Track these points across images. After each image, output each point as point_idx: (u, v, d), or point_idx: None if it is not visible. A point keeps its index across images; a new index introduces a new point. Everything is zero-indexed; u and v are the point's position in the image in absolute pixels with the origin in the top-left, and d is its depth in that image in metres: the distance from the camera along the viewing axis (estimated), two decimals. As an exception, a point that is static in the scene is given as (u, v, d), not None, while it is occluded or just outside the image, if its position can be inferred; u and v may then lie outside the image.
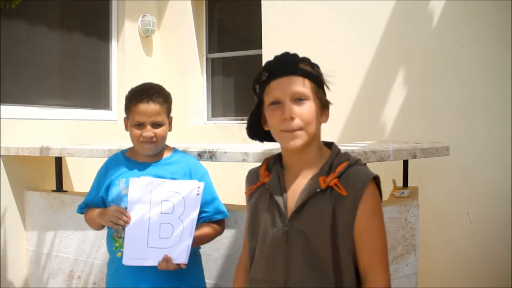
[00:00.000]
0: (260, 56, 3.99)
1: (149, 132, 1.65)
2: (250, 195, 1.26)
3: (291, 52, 1.21)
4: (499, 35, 3.19)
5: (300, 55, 1.21)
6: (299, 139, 1.11)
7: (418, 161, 2.54)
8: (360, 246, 1.11)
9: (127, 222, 1.58)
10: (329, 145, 1.23)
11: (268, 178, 1.20)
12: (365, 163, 2.15)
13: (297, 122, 1.10)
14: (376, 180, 1.15)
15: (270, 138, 1.23)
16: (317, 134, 1.16)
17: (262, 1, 4.02)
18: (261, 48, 4.00)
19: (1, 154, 2.99)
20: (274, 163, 1.23)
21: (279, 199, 1.15)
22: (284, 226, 1.13)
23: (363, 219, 1.10)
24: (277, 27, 3.94)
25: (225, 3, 4.55)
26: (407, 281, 2.24)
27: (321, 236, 1.10)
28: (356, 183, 1.11)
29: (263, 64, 1.20)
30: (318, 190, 1.11)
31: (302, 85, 1.12)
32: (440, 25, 3.37)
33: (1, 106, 3.01)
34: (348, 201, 1.10)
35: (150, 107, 1.64)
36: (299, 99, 1.12)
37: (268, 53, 3.94)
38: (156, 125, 1.66)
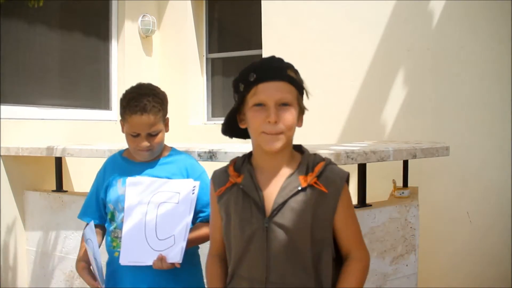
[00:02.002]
0: (260, 56, 3.99)
1: (145, 142, 1.63)
2: (219, 196, 1.28)
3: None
4: (499, 35, 3.19)
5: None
6: (279, 142, 1.16)
7: (418, 161, 2.54)
8: (342, 233, 1.22)
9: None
10: (297, 147, 1.28)
11: (240, 178, 1.23)
12: (365, 163, 2.16)
13: (280, 126, 1.15)
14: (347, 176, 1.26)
15: (240, 135, 1.29)
16: (292, 138, 1.22)
17: (262, 1, 4.02)
18: (261, 48, 4.00)
19: (1, 154, 2.99)
20: (242, 163, 1.27)
21: (255, 197, 1.19)
22: (264, 223, 1.17)
23: (344, 211, 1.21)
24: (277, 27, 3.94)
25: (225, 3, 4.55)
26: (407, 281, 2.24)
27: (302, 232, 1.16)
28: (335, 181, 1.20)
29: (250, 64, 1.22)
30: (299, 188, 1.17)
31: (288, 91, 1.17)
32: (440, 25, 3.37)
33: (1, 106, 3.02)
34: (329, 198, 1.19)
35: (144, 120, 1.60)
36: (283, 104, 1.16)
37: (268, 53, 3.91)
38: (152, 135, 1.65)
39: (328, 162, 1.23)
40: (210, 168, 1.88)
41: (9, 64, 3.19)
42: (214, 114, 4.56)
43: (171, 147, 1.80)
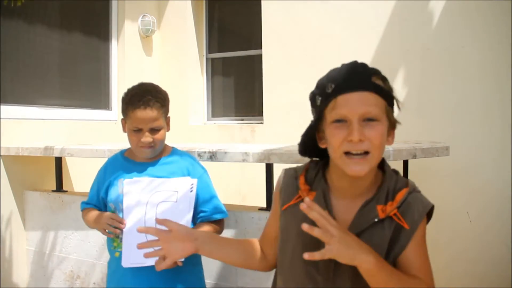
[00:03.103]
0: (260, 56, 3.99)
1: (147, 138, 1.64)
2: (283, 210, 1.13)
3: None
4: (499, 35, 3.19)
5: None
6: (365, 166, 0.98)
7: (418, 161, 2.54)
8: (409, 268, 1.02)
9: (121, 227, 1.60)
10: (380, 163, 1.09)
11: (311, 196, 1.06)
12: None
13: (365, 145, 0.97)
14: (431, 209, 1.06)
15: (321, 155, 1.11)
16: (381, 158, 1.04)
17: (262, 1, 4.02)
18: (261, 48, 4.00)
19: (1, 154, 2.99)
20: (316, 175, 1.09)
21: None
22: None
23: (414, 249, 1.03)
24: (277, 27, 3.94)
25: (225, 3, 4.55)
26: (407, 281, 2.23)
27: None
28: (414, 214, 1.02)
29: (327, 74, 1.04)
30: (375, 220, 1.01)
31: (374, 104, 0.98)
32: (440, 25, 3.37)
33: (1, 106, 3.02)
34: (405, 233, 1.02)
35: (147, 114, 1.62)
36: (368, 119, 0.98)
37: (268, 53, 3.95)
38: (154, 130, 1.66)
39: (411, 190, 1.04)
40: (210, 168, 1.89)
41: (9, 64, 3.19)
42: (214, 114, 4.56)
43: (172, 147, 1.81)
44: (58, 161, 3.02)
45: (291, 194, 1.12)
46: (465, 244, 3.27)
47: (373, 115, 0.98)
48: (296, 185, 1.11)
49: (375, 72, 1.02)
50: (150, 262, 1.56)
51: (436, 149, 2.33)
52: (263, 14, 4.01)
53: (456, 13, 3.32)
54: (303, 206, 0.93)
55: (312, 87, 1.15)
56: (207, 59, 4.57)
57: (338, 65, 0.97)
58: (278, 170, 2.22)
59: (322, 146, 1.06)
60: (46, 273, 3.00)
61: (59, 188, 3.00)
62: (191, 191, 1.62)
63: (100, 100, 4.02)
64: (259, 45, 4.04)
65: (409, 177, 2.73)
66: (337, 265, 0.99)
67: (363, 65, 1.03)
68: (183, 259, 1.55)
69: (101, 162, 1.88)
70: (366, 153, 0.98)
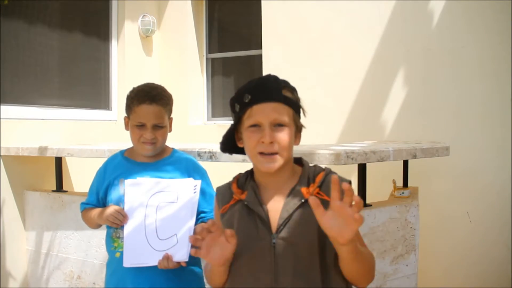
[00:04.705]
0: (260, 56, 3.99)
1: (150, 133, 1.65)
2: (222, 214, 1.26)
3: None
4: (499, 35, 3.19)
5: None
6: (275, 163, 1.16)
7: (418, 161, 2.54)
8: None
9: (124, 222, 1.59)
10: (297, 160, 1.28)
11: (244, 195, 1.22)
12: (365, 163, 2.16)
13: (275, 146, 1.16)
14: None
15: (240, 152, 1.28)
16: (291, 157, 1.22)
17: (262, 1, 4.02)
18: (261, 48, 4.00)
19: (1, 154, 2.99)
20: (246, 180, 1.26)
21: (260, 212, 1.17)
22: (271, 239, 1.14)
23: None
24: (277, 27, 3.94)
25: (225, 3, 4.55)
26: (407, 281, 2.24)
27: (311, 245, 1.14)
28: None
29: (246, 84, 1.22)
30: (302, 200, 1.16)
31: (283, 112, 1.17)
32: (440, 25, 3.37)
33: (1, 106, 3.02)
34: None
35: (152, 109, 1.64)
36: (278, 124, 1.16)
37: (268, 53, 3.95)
38: (157, 126, 1.66)
39: (328, 172, 1.22)
40: (210, 168, 1.89)
41: (9, 64, 3.19)
42: (214, 114, 4.56)
43: (172, 148, 1.81)
44: (58, 161, 3.02)
45: (226, 200, 1.26)
46: (465, 244, 3.27)
47: (281, 121, 1.17)
48: (230, 192, 1.26)
49: (285, 86, 1.20)
50: (152, 262, 1.57)
51: (436, 149, 2.33)
52: (263, 14, 4.01)
53: (456, 13, 3.32)
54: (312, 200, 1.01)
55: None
56: (207, 59, 4.57)
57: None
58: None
59: (240, 145, 1.25)
60: (46, 273, 3.00)
61: (59, 188, 3.00)
62: (194, 192, 1.62)
63: (100, 100, 4.02)
64: (259, 45, 4.04)
65: (409, 177, 2.73)
66: (277, 251, 1.13)
67: (276, 79, 1.21)
68: (187, 259, 1.56)
69: (101, 162, 1.87)
70: (276, 153, 1.16)
